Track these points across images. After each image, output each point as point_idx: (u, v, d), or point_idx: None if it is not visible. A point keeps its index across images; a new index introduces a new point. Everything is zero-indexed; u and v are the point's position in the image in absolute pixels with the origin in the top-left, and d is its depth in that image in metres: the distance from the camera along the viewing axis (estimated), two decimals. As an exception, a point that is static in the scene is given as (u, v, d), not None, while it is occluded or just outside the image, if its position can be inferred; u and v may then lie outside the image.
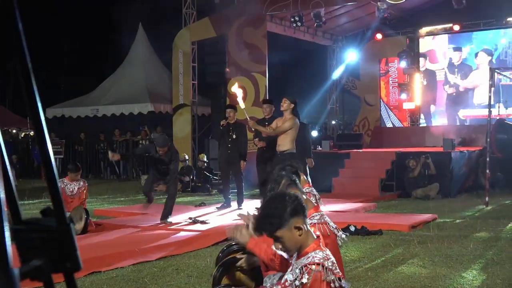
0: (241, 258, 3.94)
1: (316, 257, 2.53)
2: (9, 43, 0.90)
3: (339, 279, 2.54)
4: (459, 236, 7.63)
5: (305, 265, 2.53)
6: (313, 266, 2.50)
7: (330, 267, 2.52)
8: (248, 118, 8.97)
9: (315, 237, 2.68)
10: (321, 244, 2.65)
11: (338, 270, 2.57)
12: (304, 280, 2.52)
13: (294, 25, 16.32)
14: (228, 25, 15.92)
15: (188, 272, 5.91)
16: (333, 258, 2.60)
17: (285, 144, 8.68)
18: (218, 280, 4.20)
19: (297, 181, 3.77)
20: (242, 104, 8.92)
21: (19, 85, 0.92)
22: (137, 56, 21.91)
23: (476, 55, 17.64)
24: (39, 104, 0.92)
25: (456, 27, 17.32)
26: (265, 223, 2.64)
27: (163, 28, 20.64)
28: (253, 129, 9.46)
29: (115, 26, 25.09)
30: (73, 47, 32.91)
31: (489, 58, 17.35)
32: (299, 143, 9.22)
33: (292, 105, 8.71)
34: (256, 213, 3.32)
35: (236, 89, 9.09)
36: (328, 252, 2.63)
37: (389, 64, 19.30)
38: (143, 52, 21.96)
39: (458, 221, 9.12)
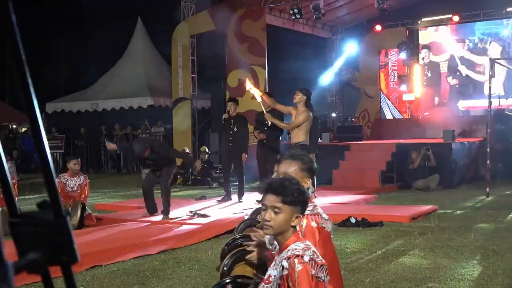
0: (251, 251, 3.93)
1: (296, 249, 2.53)
2: (4, 37, 0.90)
3: (321, 266, 2.54)
4: (459, 227, 7.64)
5: (288, 257, 2.53)
6: (296, 259, 2.50)
7: (312, 256, 2.52)
8: (265, 111, 8.96)
9: (296, 229, 2.68)
10: (300, 235, 2.66)
11: (320, 258, 2.57)
12: (286, 272, 2.52)
13: (293, 17, 16.27)
14: (227, 18, 15.88)
15: (189, 265, 5.92)
16: (313, 248, 2.60)
17: (298, 136, 8.71)
18: (228, 271, 4.18)
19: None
20: (258, 98, 8.85)
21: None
22: (136, 50, 21.87)
23: (489, 43, 17.52)
24: (34, 98, 0.91)
25: (456, 18, 17.26)
26: (285, 187, 2.58)
27: (162, 21, 20.60)
28: (269, 122, 9.40)
29: (114, 20, 25.04)
30: (72, 41, 32.84)
31: (501, 48, 17.24)
32: None
33: (305, 98, 8.72)
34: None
35: (250, 86, 8.90)
36: (307, 242, 2.63)
37: (389, 56, 19.26)
38: (142, 46, 21.93)
39: (458, 212, 9.13)
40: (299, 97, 8.70)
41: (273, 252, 3.04)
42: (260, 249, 3.85)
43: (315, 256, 2.55)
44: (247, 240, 4.49)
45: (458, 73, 18.01)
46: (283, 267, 2.53)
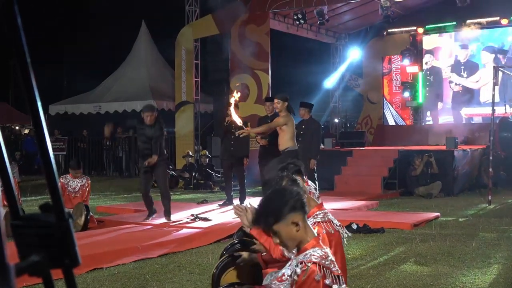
0: (240, 256, 3.93)
1: (314, 255, 2.52)
2: (9, 39, 0.90)
3: (338, 276, 2.53)
4: (461, 235, 7.61)
5: (302, 262, 2.52)
6: (309, 264, 2.49)
7: (328, 265, 2.51)
8: (245, 128, 8.94)
9: (315, 234, 2.66)
10: (320, 241, 2.63)
11: (337, 268, 2.56)
12: (298, 277, 2.51)
13: (297, 22, 16.31)
14: (231, 23, 15.91)
15: (190, 269, 5.91)
16: (331, 256, 2.59)
17: (284, 142, 8.70)
18: (217, 279, 4.18)
19: (298, 181, 3.74)
20: (238, 120, 8.78)
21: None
22: (139, 53, 21.91)
23: (480, 53, 17.57)
24: (38, 100, 0.91)
25: (459, 25, 17.26)
26: (263, 216, 2.62)
27: (166, 25, 20.64)
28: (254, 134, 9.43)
29: (118, 23, 25.09)
30: (76, 43, 32.93)
31: (493, 55, 17.26)
32: (304, 141, 9.17)
33: (286, 103, 8.74)
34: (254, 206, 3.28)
35: (233, 112, 8.83)
36: (327, 250, 2.61)
37: (392, 62, 19.27)
38: (146, 49, 21.97)
39: (460, 219, 9.11)
40: (280, 105, 8.76)
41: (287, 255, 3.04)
42: (249, 253, 3.85)
43: (332, 265, 2.54)
44: (246, 245, 4.48)
45: (458, 82, 18.03)
46: (294, 268, 2.54)
